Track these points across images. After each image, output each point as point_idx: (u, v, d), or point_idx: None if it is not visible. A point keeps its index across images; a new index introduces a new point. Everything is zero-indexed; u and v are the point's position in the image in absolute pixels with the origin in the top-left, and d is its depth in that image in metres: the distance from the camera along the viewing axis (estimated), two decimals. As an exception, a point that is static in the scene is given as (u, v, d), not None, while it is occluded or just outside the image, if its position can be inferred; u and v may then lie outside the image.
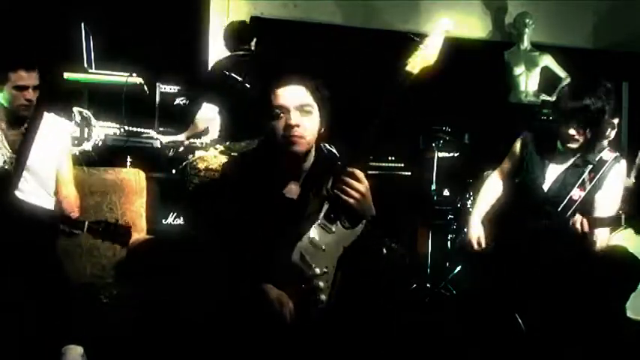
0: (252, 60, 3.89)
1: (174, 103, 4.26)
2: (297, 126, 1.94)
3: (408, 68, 1.93)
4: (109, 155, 3.63)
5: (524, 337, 2.60)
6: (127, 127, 3.80)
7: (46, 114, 2.81)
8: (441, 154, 4.41)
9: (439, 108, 5.09)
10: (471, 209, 4.23)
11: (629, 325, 2.71)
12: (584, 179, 2.68)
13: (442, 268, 4.24)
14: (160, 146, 3.83)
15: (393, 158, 4.47)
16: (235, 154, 3.34)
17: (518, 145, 2.89)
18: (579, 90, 2.62)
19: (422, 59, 1.93)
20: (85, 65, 4.00)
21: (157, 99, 4.23)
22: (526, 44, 5.68)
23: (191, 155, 3.65)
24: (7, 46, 2.99)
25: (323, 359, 1.88)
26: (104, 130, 3.72)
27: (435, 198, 4.42)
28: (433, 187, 4.39)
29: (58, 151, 2.85)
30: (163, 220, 3.53)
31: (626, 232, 2.86)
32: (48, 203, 2.83)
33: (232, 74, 3.69)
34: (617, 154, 2.75)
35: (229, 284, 1.92)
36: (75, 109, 3.59)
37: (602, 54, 6.02)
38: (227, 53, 4.05)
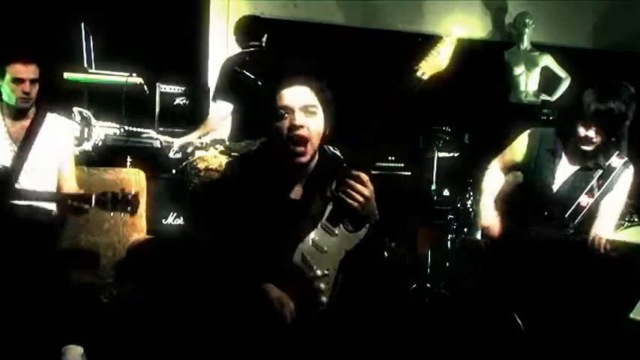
0: (262, 57, 3.87)
1: (174, 103, 4.26)
2: (302, 127, 1.91)
3: (419, 74, 1.92)
4: (109, 155, 3.63)
5: (523, 337, 2.60)
6: (127, 127, 3.80)
7: (49, 113, 2.84)
8: (441, 154, 4.41)
9: (439, 108, 5.08)
10: (470, 209, 4.25)
11: (629, 325, 2.69)
12: (592, 186, 2.66)
13: (442, 268, 4.25)
14: (160, 146, 3.83)
15: (393, 158, 4.47)
16: (235, 154, 3.34)
17: (525, 140, 2.82)
18: (605, 93, 2.57)
19: (433, 66, 1.93)
20: (85, 65, 4.00)
21: (157, 99, 4.22)
22: (526, 44, 5.68)
23: (191, 155, 3.65)
24: (3, 41, 3.00)
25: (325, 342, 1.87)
26: (104, 130, 3.72)
27: (435, 198, 4.42)
28: (433, 187, 4.39)
29: (60, 149, 2.86)
30: (163, 220, 3.53)
31: (632, 230, 2.87)
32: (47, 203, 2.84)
33: (243, 71, 3.67)
34: (626, 159, 2.71)
35: (230, 284, 1.91)
36: (75, 109, 3.59)
37: (602, 54, 6.01)
38: (226, 52, 4.05)
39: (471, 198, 4.26)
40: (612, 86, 2.61)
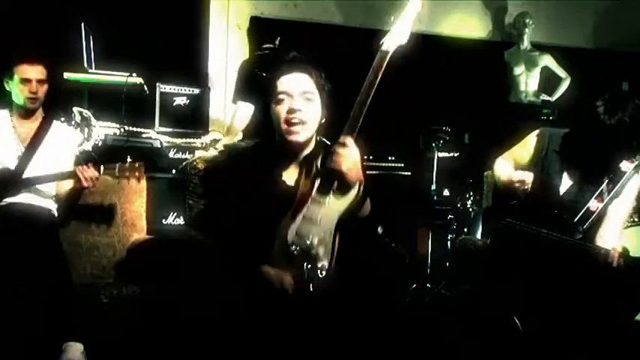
0: (273, 56, 3.87)
1: (174, 103, 4.26)
2: (299, 110, 2.02)
3: (384, 47, 2.00)
4: (109, 155, 3.62)
5: (522, 339, 2.59)
6: (127, 127, 3.80)
7: (55, 121, 2.95)
8: (441, 154, 4.41)
9: (439, 108, 5.09)
10: (471, 209, 4.25)
11: (635, 328, 2.67)
12: (602, 190, 2.64)
13: (442, 268, 4.25)
14: (160, 146, 3.83)
15: (393, 158, 4.47)
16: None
17: (533, 140, 2.80)
18: (613, 106, 2.54)
19: (395, 38, 1.99)
20: (85, 65, 4.00)
21: (157, 99, 4.22)
22: (526, 44, 5.68)
23: (191, 155, 3.64)
24: (10, 43, 3.06)
25: (327, 337, 1.90)
26: (104, 130, 3.73)
27: (435, 198, 4.43)
28: (433, 187, 4.39)
29: (64, 158, 2.91)
30: (163, 220, 3.52)
31: (632, 230, 2.86)
32: (47, 203, 2.85)
33: (256, 70, 3.68)
34: (637, 162, 2.65)
35: (229, 270, 1.97)
36: (75, 109, 3.59)
37: (602, 54, 6.01)
38: (226, 52, 4.05)
39: (471, 198, 4.27)
40: (620, 98, 2.59)
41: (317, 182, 2.00)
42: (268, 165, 2.09)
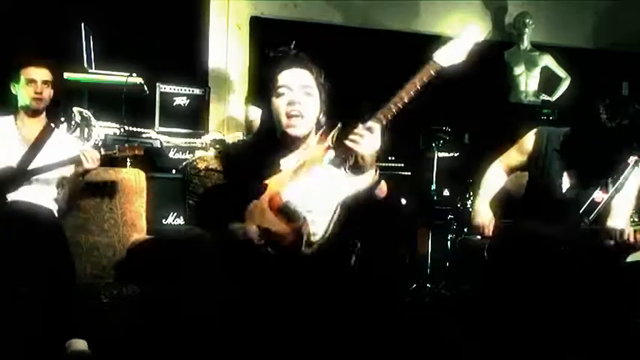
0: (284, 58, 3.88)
1: (174, 103, 4.26)
2: (299, 103, 2.08)
3: (437, 60, 2.02)
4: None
5: (522, 339, 2.59)
6: (127, 127, 3.80)
7: (57, 130, 2.99)
8: (441, 154, 4.41)
9: (439, 108, 5.08)
10: (471, 209, 4.24)
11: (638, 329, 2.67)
12: (607, 182, 2.65)
13: (442, 268, 4.25)
14: (160, 146, 3.83)
15: (393, 158, 4.47)
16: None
17: (531, 140, 2.78)
18: (614, 110, 2.54)
19: (452, 56, 2.02)
20: (85, 65, 4.00)
21: (157, 99, 4.22)
22: (526, 44, 5.68)
23: (191, 155, 3.64)
24: (12, 45, 3.09)
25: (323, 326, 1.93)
26: (104, 130, 3.73)
27: (435, 198, 4.43)
28: (433, 187, 4.39)
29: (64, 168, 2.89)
30: (163, 220, 3.52)
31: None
32: (49, 203, 2.85)
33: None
34: (637, 157, 2.64)
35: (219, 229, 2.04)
36: (75, 109, 3.60)
37: (602, 54, 6.01)
38: (226, 52, 4.05)
39: (471, 198, 4.26)
40: (620, 103, 2.59)
41: (330, 153, 2.04)
42: (268, 158, 2.12)
